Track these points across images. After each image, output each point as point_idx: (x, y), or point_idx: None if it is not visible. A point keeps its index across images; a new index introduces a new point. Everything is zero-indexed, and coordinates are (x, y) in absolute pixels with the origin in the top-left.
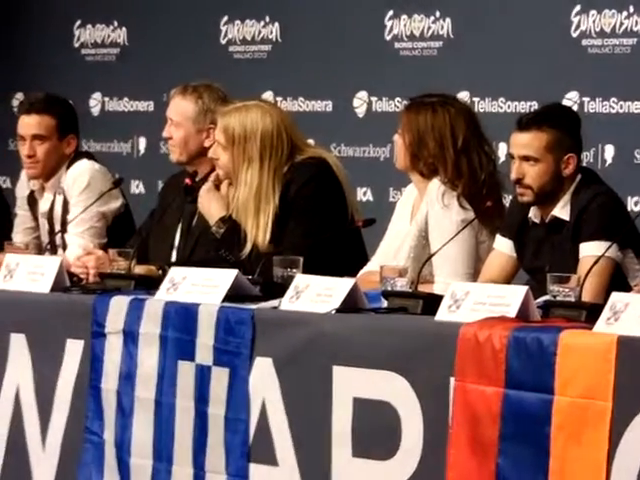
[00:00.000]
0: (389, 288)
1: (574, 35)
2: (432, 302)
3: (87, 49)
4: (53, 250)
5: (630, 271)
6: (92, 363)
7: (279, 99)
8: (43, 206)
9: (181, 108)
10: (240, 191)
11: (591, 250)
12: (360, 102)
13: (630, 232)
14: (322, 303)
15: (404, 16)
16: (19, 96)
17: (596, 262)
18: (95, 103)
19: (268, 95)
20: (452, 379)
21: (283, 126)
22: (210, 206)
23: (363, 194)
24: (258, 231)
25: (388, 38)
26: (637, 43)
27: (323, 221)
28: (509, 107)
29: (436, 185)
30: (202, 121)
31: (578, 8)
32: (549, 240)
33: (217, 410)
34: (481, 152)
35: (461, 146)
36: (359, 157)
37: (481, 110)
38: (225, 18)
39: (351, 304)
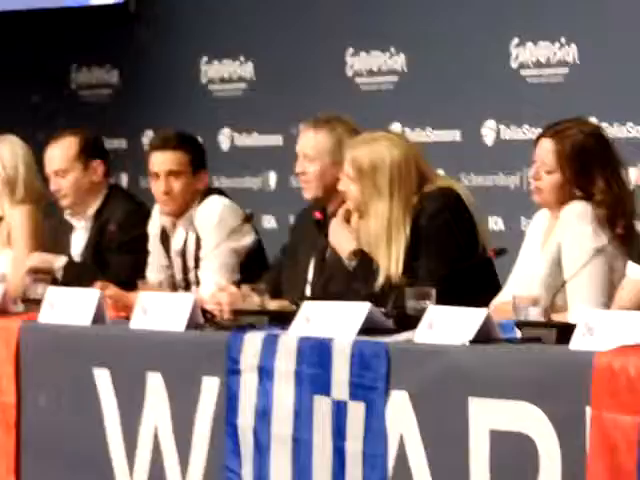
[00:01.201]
0: (522, 318)
1: None
2: (566, 331)
3: (214, 85)
4: (187, 287)
5: None
6: (228, 400)
7: (407, 130)
8: (176, 243)
9: (315, 142)
10: (371, 223)
11: None
12: (488, 131)
13: None
14: (456, 334)
15: (529, 44)
16: (148, 133)
17: None
18: (224, 139)
19: (396, 126)
20: (588, 408)
21: (412, 157)
22: (341, 239)
23: (494, 223)
24: (390, 263)
25: (514, 66)
26: None
27: (454, 252)
28: (638, 132)
29: (571, 211)
30: (338, 153)
31: None
32: None
33: (354, 445)
34: (616, 177)
35: (597, 170)
36: (489, 186)
37: (609, 135)
38: (351, 50)
39: (485, 335)
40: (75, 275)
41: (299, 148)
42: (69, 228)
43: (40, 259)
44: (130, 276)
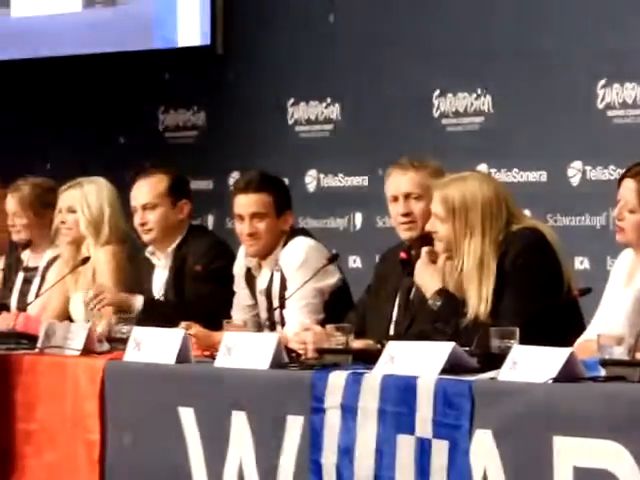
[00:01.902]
0: (607, 356)
1: None
2: None
3: (301, 126)
4: (272, 327)
5: None
6: (312, 438)
7: (493, 171)
8: (261, 283)
9: (419, 180)
10: (463, 262)
11: None
12: (574, 171)
13: None
14: (540, 373)
15: (616, 85)
16: (235, 175)
17: None
18: (310, 180)
19: (482, 167)
20: None
21: (501, 194)
22: (426, 279)
23: (580, 263)
24: (480, 302)
25: (601, 107)
26: None
27: (539, 291)
28: None
29: None
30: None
31: None
32: None
33: None
34: None
35: None
36: (575, 226)
37: None
38: (437, 92)
39: (569, 373)
40: (155, 313)
41: (395, 189)
42: (151, 267)
43: (118, 299)
44: (209, 307)
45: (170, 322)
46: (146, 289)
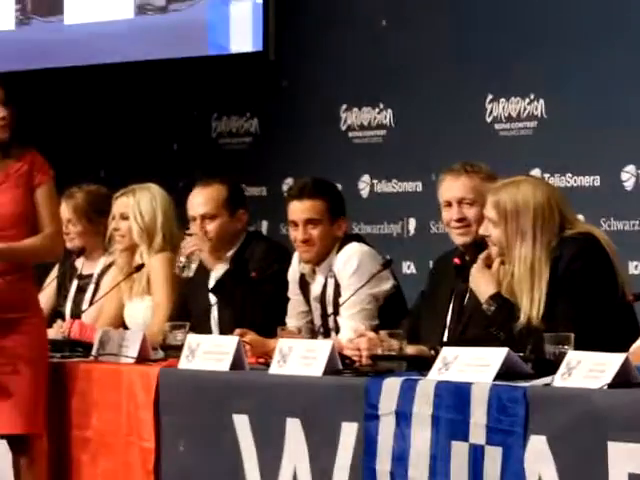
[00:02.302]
0: None
1: None
2: None
3: (354, 132)
4: (326, 333)
5: None
6: (366, 445)
7: (546, 175)
8: (315, 289)
9: (472, 185)
10: (515, 267)
11: None
12: (628, 175)
13: None
14: (594, 379)
15: None
16: (288, 181)
17: None
18: (364, 185)
19: (535, 172)
20: None
21: (554, 199)
22: (481, 284)
23: (634, 268)
24: (532, 307)
25: None
26: None
27: (593, 296)
28: None
29: None
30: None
31: None
32: None
33: None
34: None
35: None
36: (629, 231)
37: None
38: (490, 96)
39: (623, 379)
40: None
41: (453, 194)
42: (206, 274)
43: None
44: (266, 310)
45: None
46: (201, 296)
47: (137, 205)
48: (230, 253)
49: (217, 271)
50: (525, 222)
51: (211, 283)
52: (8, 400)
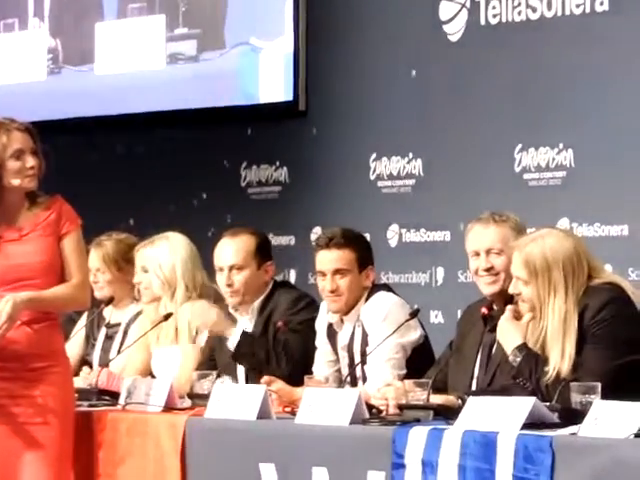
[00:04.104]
0: None
1: None
2: None
3: (383, 181)
4: (353, 382)
5: None
6: None
7: (575, 225)
8: (342, 338)
9: (502, 235)
10: (548, 321)
11: None
12: None
13: None
14: (621, 428)
15: None
16: (316, 230)
17: None
18: (392, 234)
19: (563, 222)
20: None
21: (581, 248)
22: (508, 335)
23: None
24: (563, 360)
25: None
26: None
27: (620, 346)
28: None
29: None
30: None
31: None
32: None
33: None
34: None
35: None
36: None
37: None
38: (519, 146)
39: None
40: (249, 346)
41: (479, 245)
42: (233, 320)
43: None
44: (293, 358)
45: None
46: (227, 345)
47: (156, 257)
48: (256, 303)
49: (242, 321)
50: (556, 276)
51: (238, 332)
52: (37, 450)
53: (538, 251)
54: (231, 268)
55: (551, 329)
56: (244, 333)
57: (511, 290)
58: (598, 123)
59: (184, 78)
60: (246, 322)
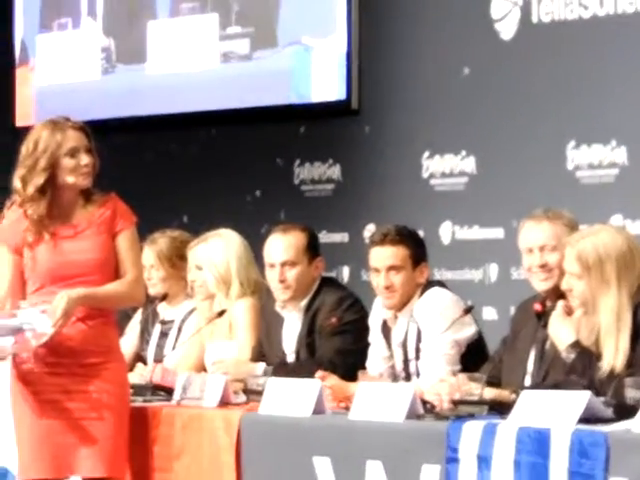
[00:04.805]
0: None
1: None
2: None
3: (436, 179)
4: (407, 378)
5: None
6: None
7: (628, 221)
8: (397, 335)
9: (553, 232)
10: (601, 317)
11: None
12: None
13: None
14: None
15: None
16: (370, 227)
17: None
18: (445, 232)
19: (616, 218)
20: None
21: (633, 245)
22: (560, 332)
23: None
24: (617, 356)
25: None
26: None
27: None
28: None
29: None
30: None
31: None
32: None
33: None
34: None
35: None
36: None
37: None
38: (572, 143)
39: None
40: (285, 374)
41: (530, 241)
42: (280, 319)
43: (243, 372)
44: (336, 359)
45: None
46: (275, 342)
47: (210, 254)
48: (304, 302)
49: (290, 319)
50: (609, 271)
51: (285, 330)
52: (92, 445)
53: (591, 246)
54: (284, 264)
55: (604, 325)
56: (277, 365)
57: (563, 286)
58: None
59: (237, 77)
60: (294, 320)
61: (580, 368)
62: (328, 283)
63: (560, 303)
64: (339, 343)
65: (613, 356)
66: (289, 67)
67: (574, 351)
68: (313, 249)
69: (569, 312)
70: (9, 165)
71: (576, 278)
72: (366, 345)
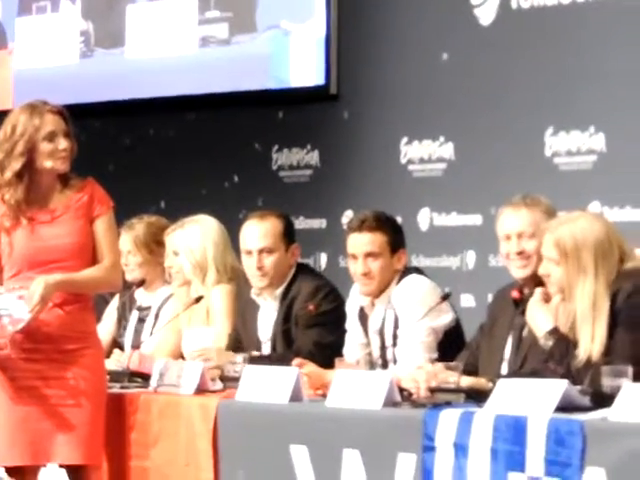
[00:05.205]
0: None
1: None
2: None
3: (414, 165)
4: (384, 365)
5: None
6: (423, 477)
7: (606, 208)
8: (374, 322)
9: (532, 219)
10: (577, 304)
11: None
12: None
13: None
14: None
15: None
16: (348, 213)
17: None
18: (423, 218)
19: (594, 205)
20: None
21: (612, 233)
22: (538, 319)
23: None
24: (593, 343)
25: None
26: None
27: None
28: None
29: None
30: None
31: None
32: None
33: None
34: None
35: None
36: None
37: None
38: (550, 130)
39: None
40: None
41: (508, 228)
42: (256, 307)
43: (224, 360)
44: (314, 350)
45: None
46: (251, 329)
47: (187, 240)
48: (280, 290)
49: (265, 307)
50: (586, 258)
51: (261, 318)
52: (69, 432)
53: (569, 233)
54: (261, 251)
55: (580, 312)
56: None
57: (541, 271)
58: (630, 107)
59: (215, 61)
60: (270, 308)
61: (558, 355)
62: (304, 270)
63: (538, 290)
64: (316, 335)
65: (589, 344)
66: (268, 52)
67: (552, 338)
68: (289, 236)
69: (547, 299)
70: None
71: (554, 264)
72: (343, 336)
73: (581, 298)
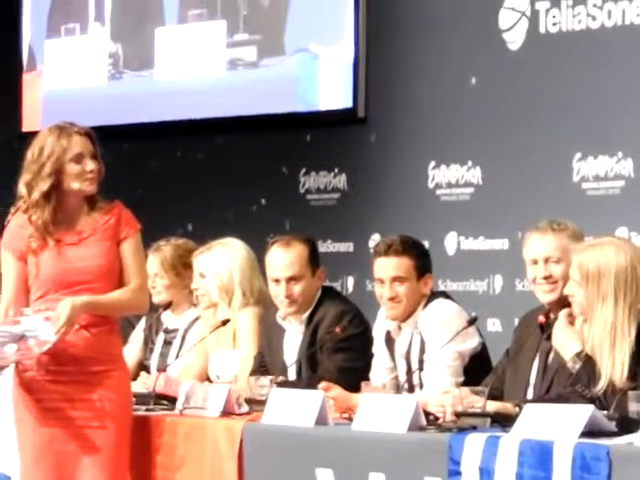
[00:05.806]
0: None
1: None
2: None
3: (441, 189)
4: (410, 389)
5: None
6: None
7: (633, 234)
8: (400, 346)
9: (558, 243)
10: (595, 328)
11: None
12: None
13: None
14: None
15: None
16: (375, 237)
17: None
18: (451, 242)
19: (621, 231)
20: None
21: (638, 261)
22: (565, 342)
23: None
24: (614, 368)
25: None
26: None
27: None
28: None
29: None
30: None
31: None
32: None
33: None
34: None
35: None
36: None
37: None
38: (578, 155)
39: None
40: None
41: (535, 252)
42: (281, 330)
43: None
44: (338, 375)
45: None
46: (277, 353)
47: (213, 263)
48: (306, 315)
49: (291, 331)
50: (606, 285)
51: (286, 342)
52: (94, 454)
53: (593, 258)
54: (289, 280)
55: (597, 337)
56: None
57: (566, 290)
58: None
59: (244, 84)
60: (295, 332)
61: (585, 378)
62: (330, 294)
63: (563, 312)
64: (340, 360)
65: (610, 369)
66: (296, 75)
67: (579, 361)
68: (315, 260)
69: (571, 320)
70: (15, 170)
71: (577, 286)
72: (369, 360)
73: (598, 323)
